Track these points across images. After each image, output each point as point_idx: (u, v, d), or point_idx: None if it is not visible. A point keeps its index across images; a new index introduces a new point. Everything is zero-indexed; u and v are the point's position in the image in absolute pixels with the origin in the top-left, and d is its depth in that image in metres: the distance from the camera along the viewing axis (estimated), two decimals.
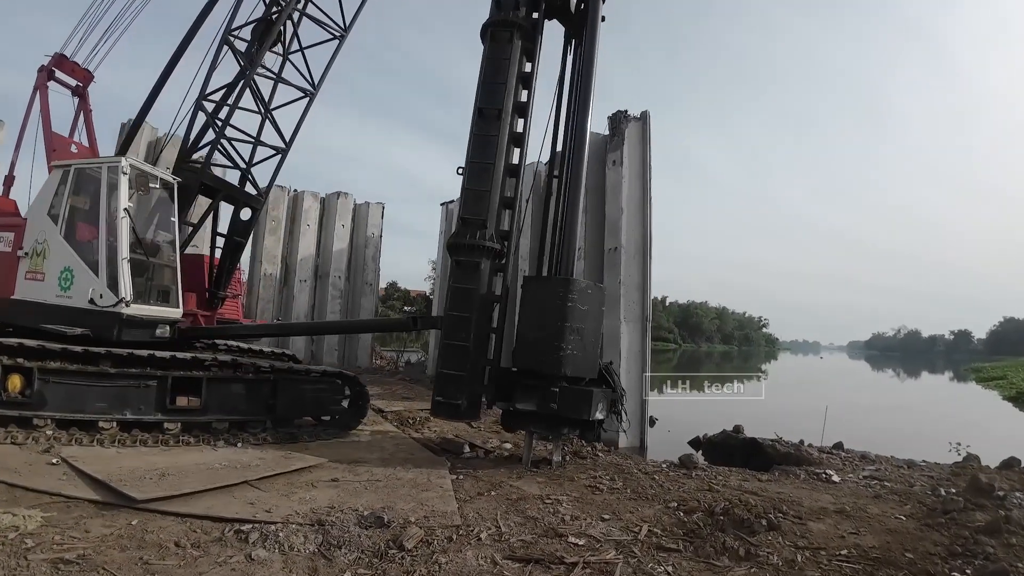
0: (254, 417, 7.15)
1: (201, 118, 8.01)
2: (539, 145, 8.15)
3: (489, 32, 7.58)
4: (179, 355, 6.64)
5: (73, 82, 9.08)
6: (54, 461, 5.29)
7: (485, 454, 7.43)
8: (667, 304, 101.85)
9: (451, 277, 7.20)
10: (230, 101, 8.08)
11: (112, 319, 6.53)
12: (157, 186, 7.07)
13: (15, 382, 5.91)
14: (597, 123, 13.26)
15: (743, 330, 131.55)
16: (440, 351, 7.04)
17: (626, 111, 12.06)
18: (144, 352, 6.46)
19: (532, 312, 6.70)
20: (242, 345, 10.40)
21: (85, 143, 9.04)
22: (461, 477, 6.05)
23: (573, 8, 8.08)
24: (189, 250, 8.28)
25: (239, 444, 6.62)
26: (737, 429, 11.19)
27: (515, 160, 7.57)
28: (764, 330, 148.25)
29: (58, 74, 8.78)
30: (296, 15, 8.89)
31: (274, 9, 8.21)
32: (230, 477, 5.30)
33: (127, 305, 6.53)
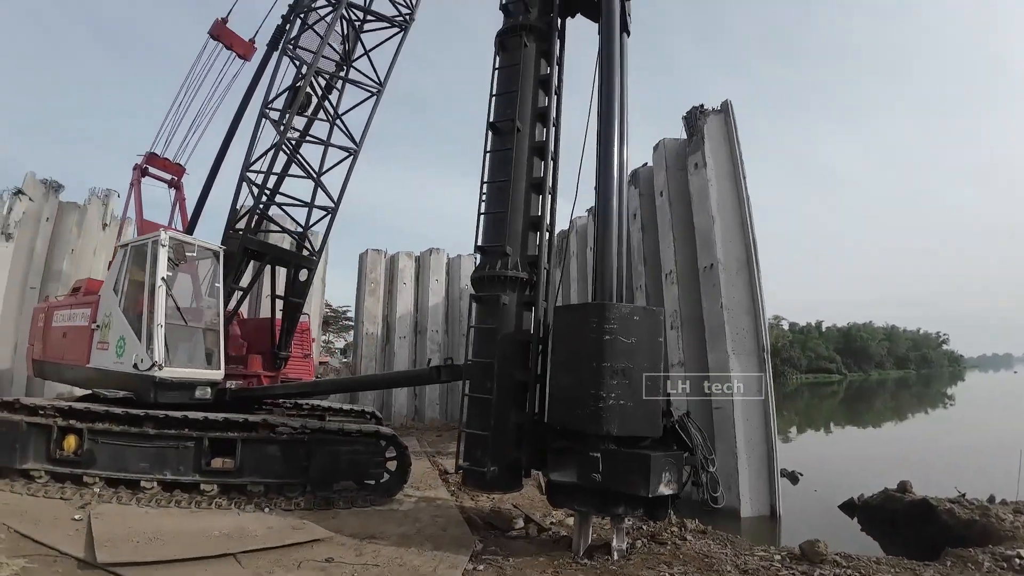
0: (289, 480, 6.73)
1: (248, 188, 8.35)
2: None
3: (499, 42, 6.81)
4: (212, 416, 6.59)
5: (168, 176, 10.32)
6: (76, 516, 5.42)
7: (538, 532, 6.01)
8: (823, 330, 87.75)
9: (475, 317, 6.19)
10: (272, 168, 8.33)
11: (149, 382, 6.77)
12: (195, 255, 7.35)
13: (70, 442, 6.41)
14: (672, 127, 11.61)
15: (919, 350, 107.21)
16: (467, 406, 5.97)
17: (702, 105, 10.34)
18: (179, 413, 6.56)
19: (563, 351, 5.35)
20: (322, 403, 10.42)
21: (180, 228, 10.05)
22: (480, 569, 4.76)
23: None
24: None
25: (267, 509, 6.26)
26: (903, 487, 8.21)
27: (542, 173, 6.46)
28: (944, 347, 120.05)
29: (151, 170, 10.05)
30: (327, 79, 9.10)
31: (299, 76, 8.48)
32: (217, 548, 4.86)
33: (160, 368, 6.72)
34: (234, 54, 10.53)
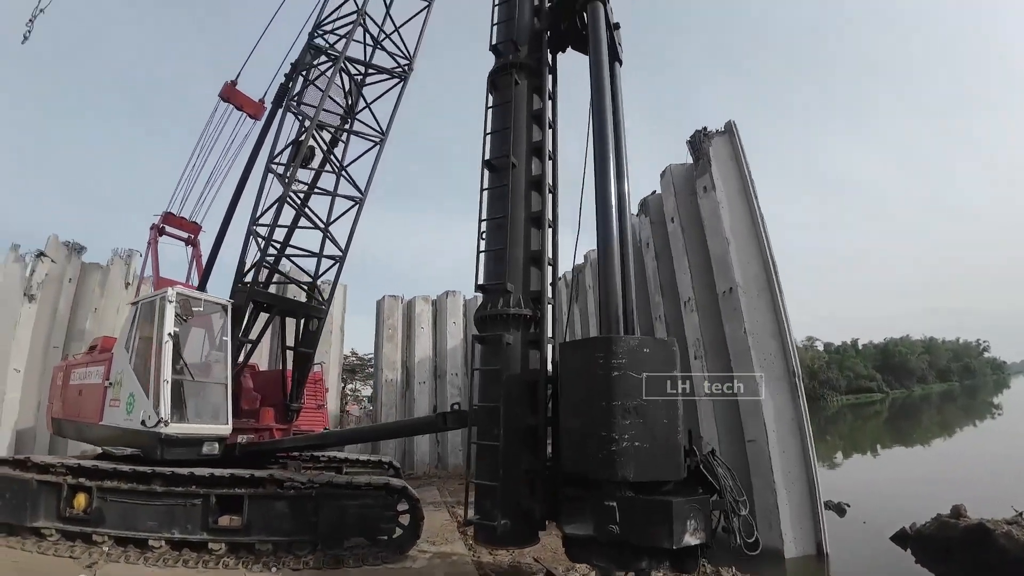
0: (298, 537, 6.47)
1: (255, 242, 8.44)
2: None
3: (491, 81, 6.85)
4: (218, 473, 6.45)
5: (184, 234, 10.58)
6: None
7: None
8: (860, 348, 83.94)
9: (479, 359, 5.95)
10: (277, 221, 8.43)
11: (155, 439, 6.70)
12: (201, 309, 7.38)
13: (80, 500, 6.39)
14: (677, 152, 11.51)
15: (960, 360, 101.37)
16: (475, 454, 5.65)
17: (705, 128, 10.20)
18: (186, 470, 6.45)
19: (570, 391, 5.04)
20: (338, 455, 10.17)
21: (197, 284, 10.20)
22: None
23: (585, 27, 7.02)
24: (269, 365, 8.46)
25: (275, 568, 6.02)
26: (957, 512, 7.48)
27: (541, 207, 6.33)
28: (986, 355, 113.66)
29: (168, 229, 10.32)
30: (332, 133, 9.31)
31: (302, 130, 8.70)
32: None
33: (165, 425, 6.66)
34: (245, 114, 10.94)
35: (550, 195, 6.44)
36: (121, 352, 7.56)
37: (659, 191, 11.77)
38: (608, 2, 6.77)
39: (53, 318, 12.70)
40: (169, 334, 6.89)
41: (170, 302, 7.04)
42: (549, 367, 5.77)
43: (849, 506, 10.45)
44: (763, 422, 8.37)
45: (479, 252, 6.13)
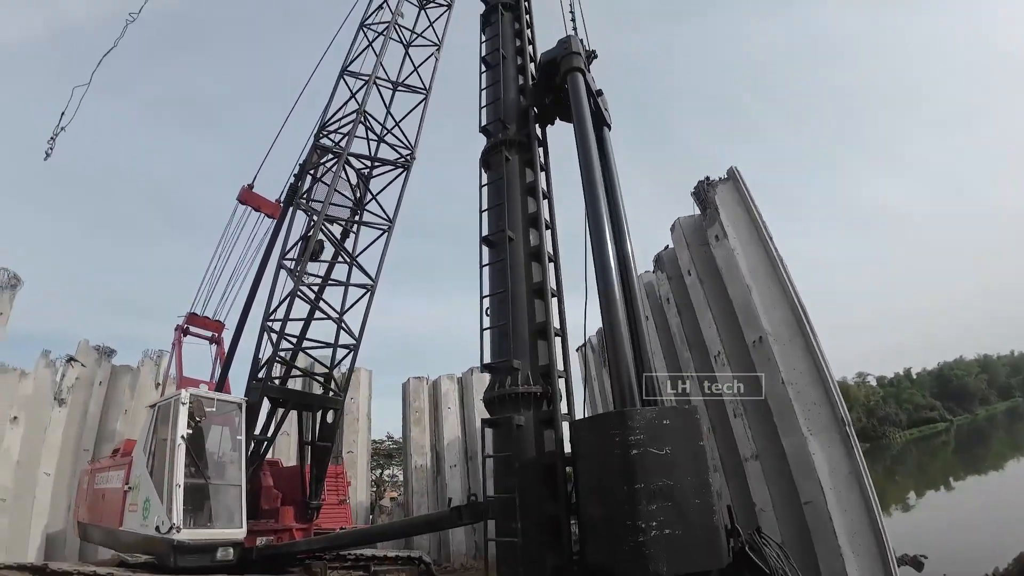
0: None
1: (268, 337, 8.52)
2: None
3: (483, 161, 7.00)
4: None
5: (208, 333, 10.82)
6: None
7: None
8: (915, 376, 78.21)
9: (491, 444, 5.59)
10: (289, 315, 8.54)
11: (168, 545, 6.43)
12: (214, 410, 7.33)
13: None
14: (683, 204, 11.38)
15: (1020, 374, 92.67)
16: (495, 551, 5.16)
17: (707, 177, 10.14)
18: None
19: (588, 474, 4.62)
20: (365, 552, 9.61)
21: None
22: None
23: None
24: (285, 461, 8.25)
25: None
26: None
27: (542, 277, 6.18)
28: None
29: (193, 329, 10.58)
30: (342, 225, 9.61)
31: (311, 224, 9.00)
32: None
33: (177, 531, 6.41)
34: (263, 214, 11.46)
35: (551, 264, 6.31)
36: (139, 455, 7.52)
37: (672, 245, 11.60)
38: (588, 71, 6.97)
39: (83, 421, 12.91)
40: (182, 436, 6.82)
41: (183, 404, 7.03)
42: (568, 447, 5.37)
43: (927, 557, 9.18)
44: (818, 481, 7.57)
45: (483, 330, 5.96)
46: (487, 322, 6.01)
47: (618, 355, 4.91)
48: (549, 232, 6.58)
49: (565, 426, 5.45)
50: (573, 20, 8.29)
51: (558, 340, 5.95)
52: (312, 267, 9.26)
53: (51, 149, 11.88)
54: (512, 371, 5.49)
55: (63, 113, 12.24)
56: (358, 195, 10.24)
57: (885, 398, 66.50)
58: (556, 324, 6.02)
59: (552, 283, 6.16)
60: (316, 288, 9.22)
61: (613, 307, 5.15)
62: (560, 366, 5.82)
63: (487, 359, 5.85)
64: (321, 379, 9.13)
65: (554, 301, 6.11)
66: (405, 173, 10.08)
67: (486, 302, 6.10)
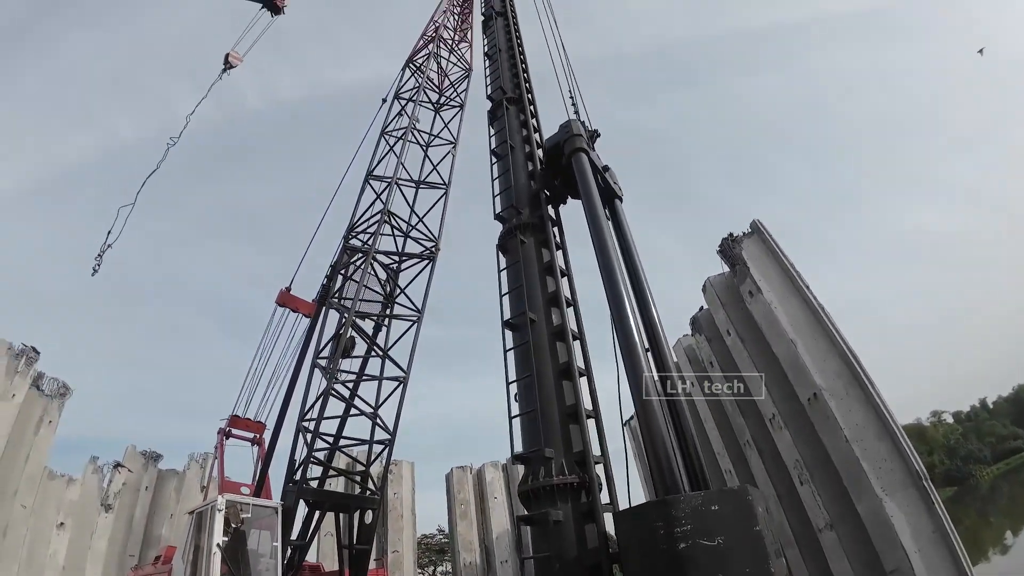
0: None
1: (303, 438, 8.49)
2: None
3: (499, 247, 7.15)
4: None
5: (249, 434, 10.89)
6: None
7: None
8: (991, 406, 69.95)
9: (530, 544, 5.21)
10: (323, 414, 8.55)
11: None
12: (250, 516, 7.19)
13: None
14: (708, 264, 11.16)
15: None
16: None
17: (731, 234, 10.00)
18: None
19: (634, 572, 4.18)
20: None
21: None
22: None
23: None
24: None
25: None
26: None
27: (568, 357, 6.03)
28: None
29: (235, 432, 10.68)
30: (374, 320, 9.84)
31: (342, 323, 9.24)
32: None
33: None
34: (300, 314, 11.88)
35: (576, 342, 6.18)
36: (179, 563, 7.35)
37: (706, 306, 11.28)
38: (592, 150, 7.19)
39: (129, 526, 12.94)
40: (217, 544, 6.67)
41: (219, 511, 6.93)
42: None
43: None
44: (901, 546, 6.66)
45: (511, 417, 5.76)
46: (515, 409, 5.83)
47: (653, 435, 4.61)
48: (571, 310, 6.51)
49: (609, 517, 5.06)
50: (574, 104, 8.73)
51: (592, 422, 5.67)
52: (345, 364, 9.40)
53: (98, 265, 12.76)
54: (545, 461, 5.22)
55: (110, 231, 13.35)
56: (387, 289, 10.55)
57: (965, 434, 59.72)
58: (588, 405, 5.79)
59: (580, 362, 5.99)
60: (350, 385, 9.29)
61: (642, 381, 4.92)
62: (597, 450, 5.50)
63: (518, 449, 5.60)
64: (358, 478, 8.94)
65: (584, 381, 5.91)
66: (431, 264, 10.38)
67: (513, 388, 5.95)
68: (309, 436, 8.25)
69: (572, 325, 6.31)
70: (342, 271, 10.35)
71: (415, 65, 12.08)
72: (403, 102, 11.57)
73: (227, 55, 18.29)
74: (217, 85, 17.92)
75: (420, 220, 10.74)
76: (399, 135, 11.28)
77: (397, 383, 9.44)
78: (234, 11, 17.69)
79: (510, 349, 6.22)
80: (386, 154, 11.28)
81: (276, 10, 18.18)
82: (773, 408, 9.30)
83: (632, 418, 13.43)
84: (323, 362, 9.04)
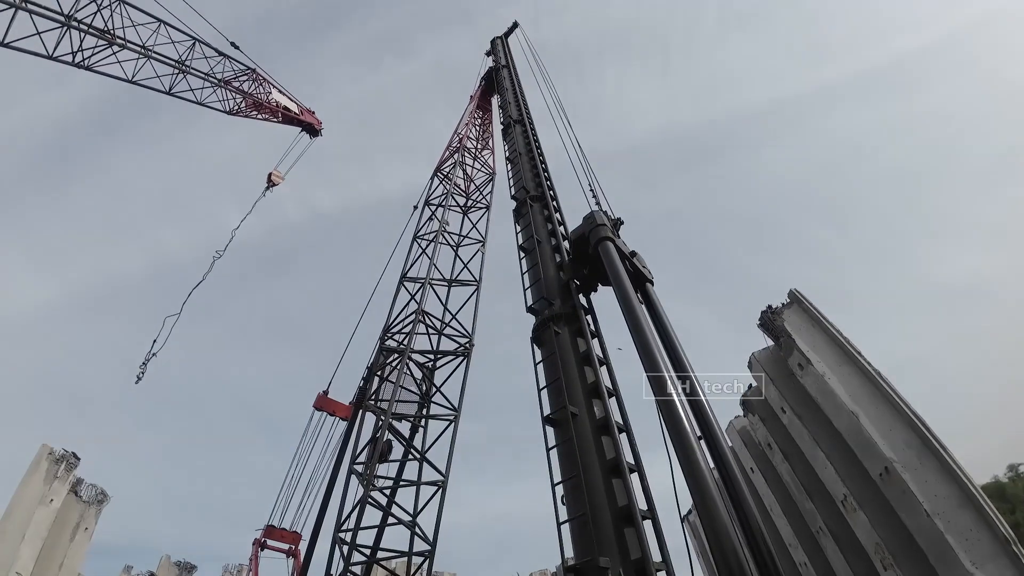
0: None
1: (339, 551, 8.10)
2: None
3: (534, 339, 7.14)
4: None
5: (284, 545, 10.48)
6: None
7: None
8: None
9: None
10: (360, 524, 8.21)
11: None
12: None
13: None
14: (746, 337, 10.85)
15: None
16: None
17: (770, 306, 9.78)
18: None
19: None
20: None
21: None
22: None
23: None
24: None
25: None
26: None
27: (615, 452, 5.74)
28: None
29: (270, 542, 10.30)
30: (411, 421, 9.76)
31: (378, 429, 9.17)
32: None
33: None
34: (338, 418, 11.85)
35: (623, 435, 5.91)
36: None
37: (755, 383, 10.78)
38: (618, 237, 7.34)
39: None
40: None
41: None
42: None
43: None
44: None
45: (559, 524, 5.38)
46: (563, 513, 5.47)
47: (717, 531, 4.21)
48: (614, 400, 6.31)
49: None
50: (595, 195, 9.10)
51: (649, 523, 5.25)
52: (382, 469, 9.19)
53: (142, 373, 13.25)
54: (600, 572, 4.79)
55: (155, 340, 13.96)
56: (423, 388, 10.54)
57: None
58: (642, 503, 5.39)
59: (628, 456, 5.68)
60: (387, 492, 9.02)
61: (698, 472, 4.59)
62: (657, 555, 5.03)
63: (569, 554, 5.18)
64: None
65: (635, 477, 5.57)
66: (466, 361, 10.43)
67: (559, 490, 5.63)
68: (345, 548, 7.89)
69: (616, 417, 6.08)
70: (378, 372, 10.46)
71: (443, 173, 13.00)
72: (433, 207, 12.32)
73: (270, 174, 20.19)
74: (260, 201, 19.59)
75: (453, 317, 10.96)
76: (431, 238, 11.87)
77: (436, 487, 9.12)
78: (277, 134, 19.73)
79: (553, 447, 5.97)
80: (419, 257, 11.82)
81: (314, 132, 20.34)
82: (843, 488, 8.52)
83: (691, 512, 12.51)
84: (360, 468, 8.87)
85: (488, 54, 17.78)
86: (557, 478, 5.71)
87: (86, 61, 13.52)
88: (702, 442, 5.10)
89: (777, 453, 10.10)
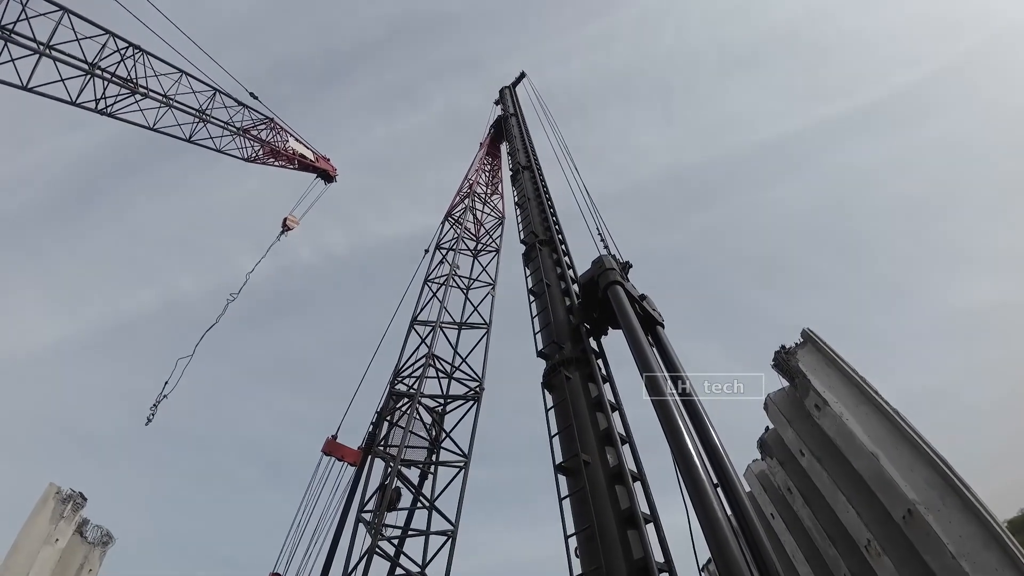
0: None
1: None
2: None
3: (544, 384, 7.13)
4: None
5: None
6: None
7: None
8: None
9: None
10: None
11: None
12: None
13: None
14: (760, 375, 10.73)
15: None
16: None
17: (783, 346, 9.70)
18: None
19: None
20: None
21: None
22: None
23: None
24: None
25: None
26: None
27: (629, 502, 5.61)
28: None
29: None
30: (420, 468, 9.62)
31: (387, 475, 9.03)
32: None
33: None
34: (347, 463, 11.66)
35: (637, 483, 5.80)
36: None
37: (772, 425, 10.57)
38: (627, 280, 7.40)
39: None
40: None
41: None
42: None
43: None
44: None
45: None
46: (577, 567, 5.32)
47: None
48: (627, 447, 6.23)
49: None
50: (603, 239, 9.24)
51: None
52: (391, 518, 9.00)
53: (152, 415, 13.15)
54: None
55: (167, 382, 13.91)
56: (433, 434, 10.43)
57: None
58: (659, 556, 5.24)
59: (644, 506, 5.56)
60: (395, 541, 8.80)
61: (714, 520, 4.47)
62: None
63: None
64: None
65: (651, 527, 5.43)
66: (476, 405, 10.34)
67: (572, 542, 5.50)
68: None
69: (630, 464, 5.98)
70: (388, 417, 10.40)
71: (453, 218, 13.28)
72: (443, 251, 12.53)
73: (285, 219, 20.68)
74: (275, 245, 20.00)
75: (463, 360, 10.95)
76: (441, 281, 12.02)
77: (446, 538, 8.89)
78: (292, 179, 20.33)
79: (565, 497, 5.85)
80: (429, 300, 11.93)
81: (329, 179, 20.94)
82: (867, 532, 8.21)
83: (709, 562, 12.07)
84: (368, 516, 8.70)
85: (497, 103, 18.51)
86: (571, 528, 5.59)
87: (109, 108, 13.84)
88: (719, 488, 5.01)
89: (798, 497, 9.77)
